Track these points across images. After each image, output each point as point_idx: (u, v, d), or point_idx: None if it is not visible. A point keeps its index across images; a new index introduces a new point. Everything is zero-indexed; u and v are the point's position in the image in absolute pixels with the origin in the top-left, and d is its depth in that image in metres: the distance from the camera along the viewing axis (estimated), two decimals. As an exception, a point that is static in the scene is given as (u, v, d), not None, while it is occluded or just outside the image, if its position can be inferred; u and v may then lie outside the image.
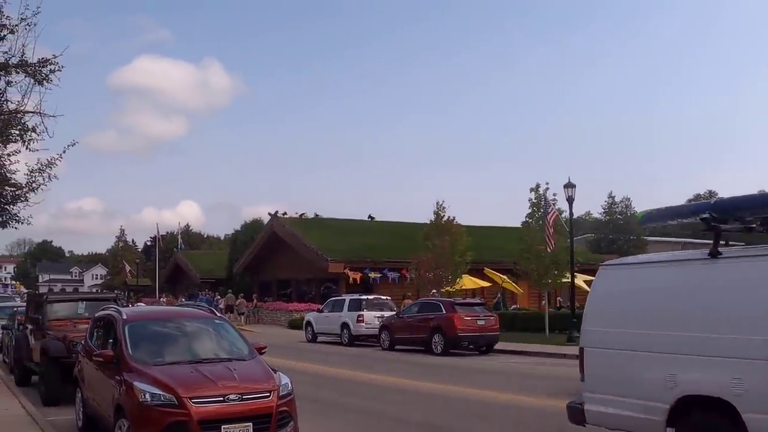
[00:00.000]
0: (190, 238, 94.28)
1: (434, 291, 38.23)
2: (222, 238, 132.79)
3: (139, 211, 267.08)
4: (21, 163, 15.01)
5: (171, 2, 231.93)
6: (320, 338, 36.84)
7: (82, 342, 13.20)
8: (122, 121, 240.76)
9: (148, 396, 9.53)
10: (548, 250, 32.75)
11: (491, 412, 15.08)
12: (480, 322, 29.02)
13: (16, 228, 15.89)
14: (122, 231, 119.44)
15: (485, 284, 46.59)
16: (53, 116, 13.85)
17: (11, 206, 15.15)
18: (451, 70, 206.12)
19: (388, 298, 37.22)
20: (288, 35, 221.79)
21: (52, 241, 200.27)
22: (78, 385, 12.70)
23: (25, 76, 13.37)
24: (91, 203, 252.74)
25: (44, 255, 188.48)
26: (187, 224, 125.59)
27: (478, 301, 34.31)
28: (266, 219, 61.48)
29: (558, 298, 48.78)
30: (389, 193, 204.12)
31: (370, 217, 62.09)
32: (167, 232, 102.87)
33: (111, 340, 11.40)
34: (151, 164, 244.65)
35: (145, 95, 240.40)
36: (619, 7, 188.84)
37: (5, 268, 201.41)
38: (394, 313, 33.14)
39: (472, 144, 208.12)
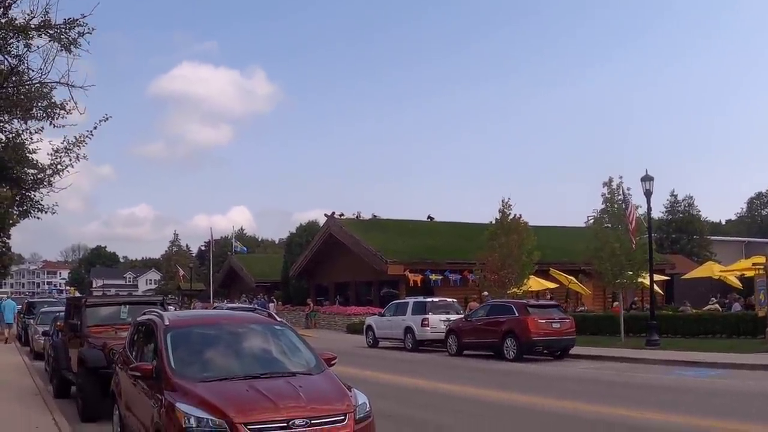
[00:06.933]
0: (244, 242, 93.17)
1: (485, 293, 36.37)
2: (276, 242, 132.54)
3: (191, 217, 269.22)
4: (44, 141, 12.95)
5: (214, 16, 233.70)
6: (382, 343, 35.11)
7: (120, 350, 11.33)
8: (170, 130, 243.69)
9: (192, 420, 7.65)
10: (633, 247, 30.43)
11: (582, 426, 13.11)
12: (555, 325, 26.87)
13: (39, 218, 13.93)
14: (176, 236, 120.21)
15: (551, 285, 44.59)
16: (83, 87, 11.78)
17: (33, 192, 13.13)
18: (510, 78, 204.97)
19: (454, 300, 35.33)
20: (334, 45, 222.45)
21: (106, 247, 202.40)
22: (115, 400, 10.83)
23: (49, 41, 11.35)
24: (143, 210, 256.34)
25: (98, 260, 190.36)
26: (242, 228, 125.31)
27: (553, 302, 32.10)
28: (321, 221, 60.05)
29: (637, 298, 46.31)
30: (443, 194, 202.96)
31: (429, 217, 60.17)
32: (221, 237, 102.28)
33: (151, 350, 9.54)
34: (200, 171, 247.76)
35: (191, 104, 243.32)
36: (687, 12, 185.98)
37: (60, 273, 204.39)
38: (461, 316, 31.14)
39: (526, 147, 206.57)
